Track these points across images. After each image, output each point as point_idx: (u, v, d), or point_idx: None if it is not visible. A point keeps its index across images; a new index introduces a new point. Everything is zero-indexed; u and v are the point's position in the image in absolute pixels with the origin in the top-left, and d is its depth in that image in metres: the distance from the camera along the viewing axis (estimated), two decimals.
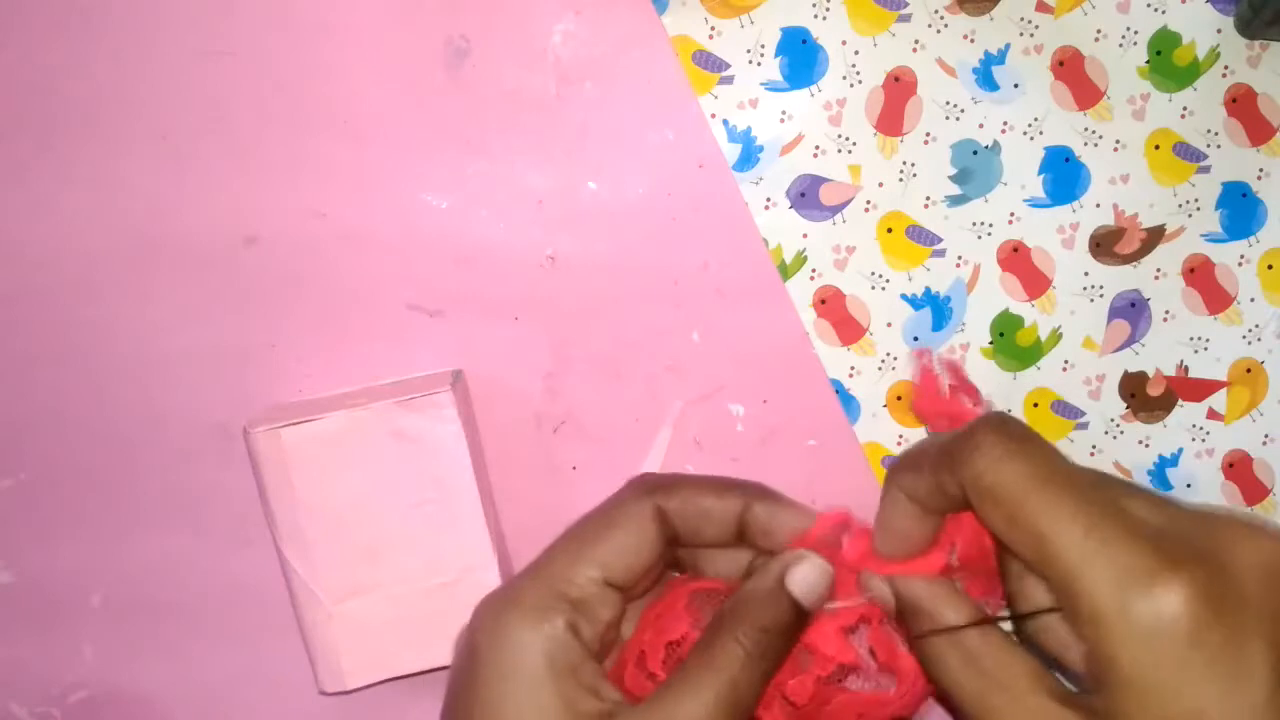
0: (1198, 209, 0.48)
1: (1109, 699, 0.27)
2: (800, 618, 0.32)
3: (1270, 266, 0.49)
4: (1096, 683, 0.28)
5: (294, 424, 0.42)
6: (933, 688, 0.33)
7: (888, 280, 0.48)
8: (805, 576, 0.33)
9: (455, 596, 0.43)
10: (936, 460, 0.31)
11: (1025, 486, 0.28)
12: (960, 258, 0.48)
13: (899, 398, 0.49)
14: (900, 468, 0.33)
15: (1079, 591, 0.27)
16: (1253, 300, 0.49)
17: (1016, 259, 0.48)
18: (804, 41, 0.46)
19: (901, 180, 0.47)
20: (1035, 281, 0.49)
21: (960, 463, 0.30)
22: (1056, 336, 0.49)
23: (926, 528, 0.33)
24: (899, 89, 0.47)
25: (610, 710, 0.30)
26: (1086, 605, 0.27)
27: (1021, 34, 0.47)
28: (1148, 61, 0.47)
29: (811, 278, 0.48)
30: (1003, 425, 0.30)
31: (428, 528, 0.43)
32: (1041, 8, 0.47)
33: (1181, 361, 0.50)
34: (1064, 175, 0.48)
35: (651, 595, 0.35)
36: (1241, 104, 0.48)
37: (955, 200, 0.48)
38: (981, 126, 0.47)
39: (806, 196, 0.47)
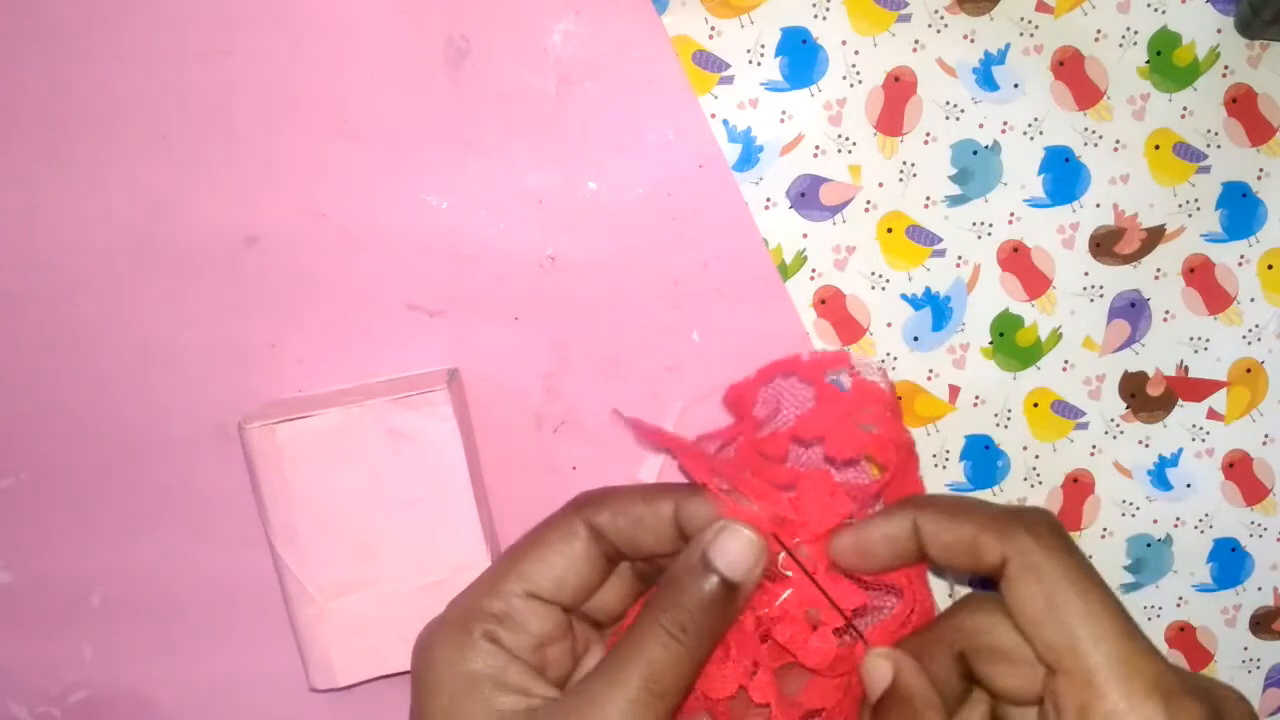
0: (1198, 209, 0.48)
1: None
2: (732, 591, 0.32)
3: (1270, 266, 0.49)
4: None
5: (288, 420, 0.42)
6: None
7: (888, 280, 0.48)
8: (728, 548, 0.32)
9: (447, 595, 0.43)
10: (984, 520, 0.31)
11: (1073, 576, 0.30)
12: (960, 258, 0.48)
13: (899, 397, 0.49)
14: (928, 505, 0.33)
15: (1101, 683, 0.29)
16: (1253, 300, 0.49)
17: (1016, 259, 0.48)
18: (804, 41, 0.46)
19: (901, 180, 0.47)
20: (1035, 281, 0.49)
21: (1013, 533, 0.31)
22: (1056, 336, 0.49)
23: (898, 562, 0.33)
24: (899, 89, 0.47)
25: (536, 706, 0.31)
26: (1104, 696, 0.29)
27: (1021, 34, 0.47)
28: (1148, 61, 0.47)
29: (811, 278, 0.48)
30: (1058, 522, 0.32)
31: (421, 525, 0.43)
32: (1041, 8, 0.47)
33: (1181, 361, 0.50)
34: (1064, 175, 0.48)
35: None
36: (1241, 104, 0.48)
37: (955, 200, 0.48)
38: (981, 126, 0.47)
39: (806, 196, 0.47)
